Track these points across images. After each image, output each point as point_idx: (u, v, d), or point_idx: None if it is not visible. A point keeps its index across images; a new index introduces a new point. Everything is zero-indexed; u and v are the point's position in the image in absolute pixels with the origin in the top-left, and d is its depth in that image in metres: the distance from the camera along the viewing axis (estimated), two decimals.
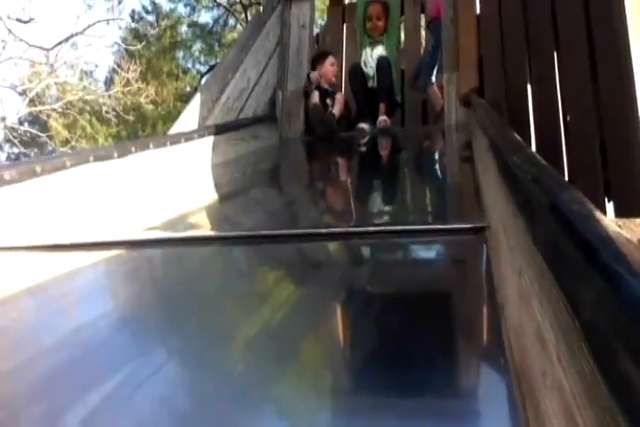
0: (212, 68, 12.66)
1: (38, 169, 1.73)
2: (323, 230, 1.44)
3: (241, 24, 12.85)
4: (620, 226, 1.40)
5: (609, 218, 1.68)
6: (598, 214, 0.65)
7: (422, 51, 4.74)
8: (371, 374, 0.76)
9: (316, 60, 4.15)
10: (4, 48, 8.63)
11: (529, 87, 2.77)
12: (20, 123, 9.71)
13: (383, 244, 1.34)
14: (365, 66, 4.19)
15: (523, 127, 2.60)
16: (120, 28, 11.75)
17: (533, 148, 2.49)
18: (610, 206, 2.07)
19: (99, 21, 10.11)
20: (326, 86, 4.04)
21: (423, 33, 4.99)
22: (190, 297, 1.16)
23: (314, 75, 3.92)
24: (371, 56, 4.22)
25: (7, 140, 10.70)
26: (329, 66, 4.09)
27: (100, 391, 0.82)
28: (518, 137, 1.35)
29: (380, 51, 4.19)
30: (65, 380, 0.89)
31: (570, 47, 2.44)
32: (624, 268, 0.49)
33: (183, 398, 0.79)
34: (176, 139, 2.50)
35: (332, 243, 1.39)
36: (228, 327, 1.00)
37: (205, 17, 14.34)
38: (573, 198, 0.71)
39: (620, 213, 1.99)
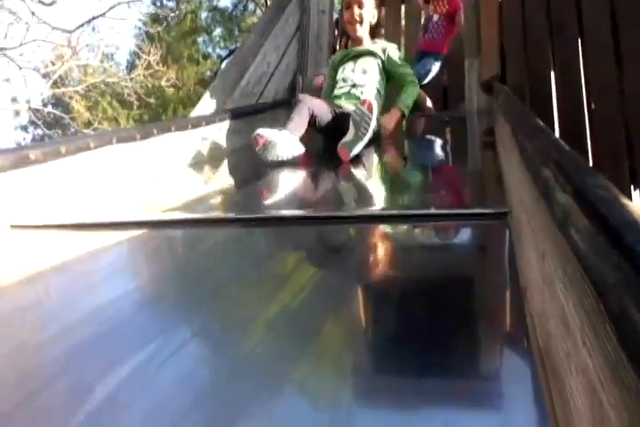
0: (231, 52, 12.64)
1: (63, 149, 1.75)
2: (344, 213, 1.45)
3: (260, 9, 12.79)
4: None
5: (635, 203, 1.67)
6: (623, 199, 0.65)
7: None
8: (395, 355, 0.77)
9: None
10: (27, 30, 8.69)
11: (552, 74, 2.74)
12: (44, 105, 9.79)
13: (406, 228, 1.35)
14: None
15: (546, 113, 2.58)
16: (141, 12, 11.77)
17: (557, 134, 2.47)
18: (636, 194, 2.06)
19: (119, 3, 10.12)
20: None
21: None
22: (211, 277, 1.17)
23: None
24: None
25: (31, 122, 10.85)
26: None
27: (123, 368, 0.84)
28: (541, 122, 1.34)
29: None
30: (91, 355, 0.91)
31: (594, 33, 2.40)
32: None
33: (204, 376, 0.81)
34: (197, 122, 2.52)
35: (354, 226, 1.40)
36: (250, 308, 1.01)
37: (225, 1, 14.31)
38: (598, 183, 0.71)
39: None
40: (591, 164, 2.26)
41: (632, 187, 2.13)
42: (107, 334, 0.97)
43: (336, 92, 2.75)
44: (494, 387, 0.70)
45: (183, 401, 0.73)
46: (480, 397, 0.67)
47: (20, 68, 9.19)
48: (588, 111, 2.39)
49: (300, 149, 2.23)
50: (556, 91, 2.64)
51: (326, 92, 2.94)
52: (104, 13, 9.65)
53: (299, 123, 2.33)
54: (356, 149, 2.15)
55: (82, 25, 9.34)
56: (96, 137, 1.97)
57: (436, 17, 4.04)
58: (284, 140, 2.19)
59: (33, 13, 8.49)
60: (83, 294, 1.16)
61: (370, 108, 2.20)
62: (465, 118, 3.47)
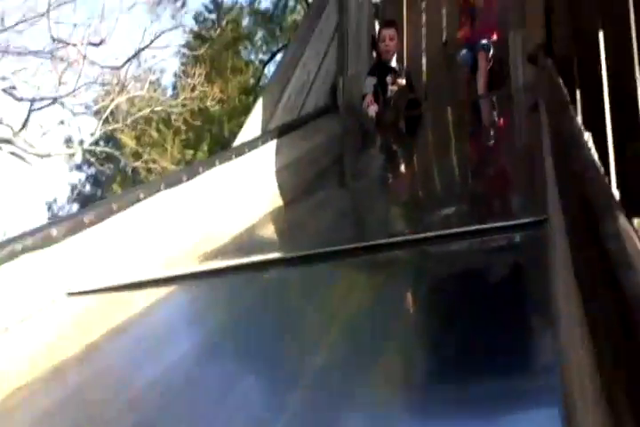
0: (273, 55, 12.70)
1: (115, 207, 1.83)
2: (388, 240, 1.43)
3: (301, 5, 12.73)
4: None
5: None
6: None
7: None
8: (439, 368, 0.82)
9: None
10: (79, 75, 9.07)
11: (601, 44, 2.59)
12: (96, 143, 10.17)
13: (445, 247, 1.33)
14: None
15: (595, 88, 2.45)
16: (185, 32, 12.01)
17: (607, 108, 2.35)
18: None
19: (162, 32, 10.38)
20: (391, 64, 3.92)
21: None
22: (276, 325, 1.19)
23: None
24: None
25: (86, 161, 11.34)
26: (383, 41, 3.95)
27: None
28: (580, 126, 1.28)
29: None
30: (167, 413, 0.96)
31: None
32: None
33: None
34: (240, 150, 2.54)
35: (399, 252, 1.39)
36: (319, 353, 1.03)
37: (265, 3, 14.33)
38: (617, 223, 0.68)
39: None
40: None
41: None
42: (181, 390, 1.01)
43: None
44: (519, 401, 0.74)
45: None
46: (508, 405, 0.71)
47: (74, 115, 9.62)
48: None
49: None
50: (606, 61, 2.51)
51: None
52: (149, 44, 9.91)
53: None
54: None
55: (129, 59, 9.64)
56: (144, 187, 2.03)
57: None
58: None
59: (84, 57, 8.84)
60: (147, 358, 1.21)
61: None
62: (511, 96, 3.35)
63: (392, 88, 3.74)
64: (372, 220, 1.76)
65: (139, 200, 1.93)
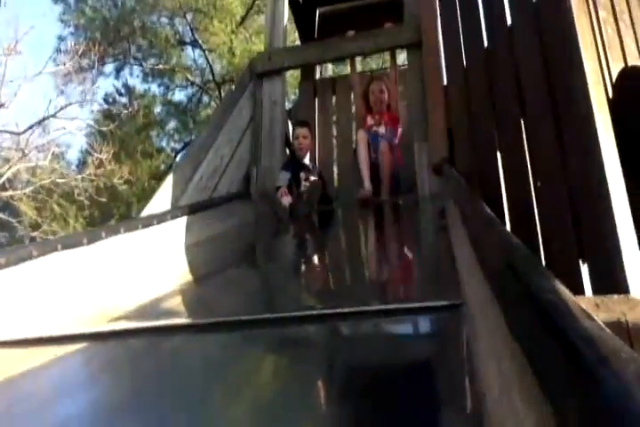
0: (186, 145, 12.89)
1: (2, 261, 1.68)
2: (297, 313, 1.39)
3: (215, 101, 13.20)
4: (597, 305, 1.37)
5: (587, 297, 1.67)
6: (572, 301, 0.63)
7: None
8: None
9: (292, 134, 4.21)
10: None
11: (498, 156, 2.83)
12: None
13: (358, 325, 1.30)
14: None
15: (494, 195, 2.64)
16: (92, 111, 11.94)
17: (506, 212, 2.52)
18: (585, 269, 2.08)
19: (71, 104, 10.27)
20: (304, 161, 4.08)
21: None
22: (169, 389, 1.10)
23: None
24: None
25: None
26: (297, 139, 4.13)
27: None
28: (489, 211, 1.34)
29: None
30: None
31: (536, 117, 2.52)
32: (604, 368, 0.46)
33: None
34: (148, 221, 2.47)
35: (308, 326, 1.35)
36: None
37: (179, 95, 14.74)
38: (548, 286, 0.69)
39: (594, 274, 2.00)
40: (540, 240, 2.29)
41: (580, 261, 2.16)
42: None
43: None
44: None
45: None
46: None
47: None
48: (535, 190, 2.45)
49: None
50: (503, 172, 2.72)
51: None
52: (55, 114, 9.74)
53: None
54: None
55: (31, 126, 9.40)
56: (39, 245, 1.90)
57: (382, 129, 4.19)
58: None
59: None
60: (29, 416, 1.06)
61: None
62: (418, 202, 3.53)
63: (305, 183, 3.86)
64: (282, 297, 1.72)
65: (31, 257, 1.79)
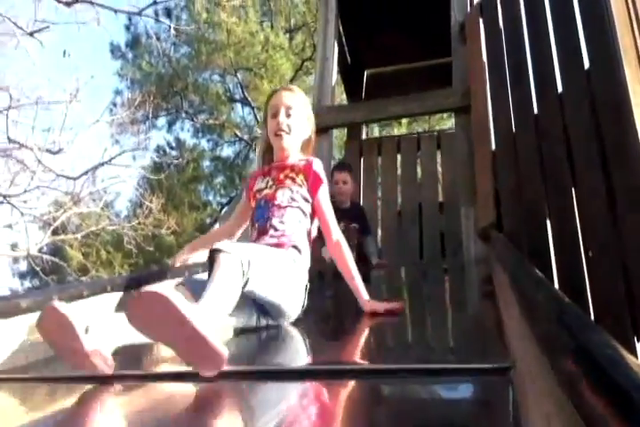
0: (231, 199, 13.17)
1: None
2: (343, 367, 1.36)
3: None
4: None
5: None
6: (628, 357, 0.60)
7: None
8: None
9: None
10: (32, 178, 9.01)
11: (548, 222, 2.76)
12: (42, 251, 9.87)
13: (403, 384, 1.26)
14: None
15: (544, 262, 2.56)
16: (144, 161, 12.35)
17: (556, 283, 2.43)
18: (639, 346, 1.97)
19: (125, 151, 10.65)
20: (344, 206, 4.08)
21: None
22: None
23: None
24: None
25: (31, 269, 10.90)
26: (337, 184, 4.14)
27: None
28: (539, 273, 1.32)
29: None
30: None
31: (587, 181, 2.47)
32: None
33: None
34: (195, 268, 2.51)
35: (352, 381, 1.31)
36: None
37: (227, 151, 15.17)
38: (600, 340, 0.67)
39: None
40: (592, 314, 2.20)
41: (635, 338, 2.05)
42: None
43: None
44: None
45: None
46: None
47: (22, 215, 9.43)
48: (586, 259, 2.37)
49: None
50: (553, 239, 2.65)
51: None
52: (109, 161, 10.09)
53: None
54: None
55: (86, 172, 9.73)
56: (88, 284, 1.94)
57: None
58: None
59: (39, 162, 8.85)
60: None
61: None
62: (463, 266, 3.47)
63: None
64: (329, 351, 1.69)
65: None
